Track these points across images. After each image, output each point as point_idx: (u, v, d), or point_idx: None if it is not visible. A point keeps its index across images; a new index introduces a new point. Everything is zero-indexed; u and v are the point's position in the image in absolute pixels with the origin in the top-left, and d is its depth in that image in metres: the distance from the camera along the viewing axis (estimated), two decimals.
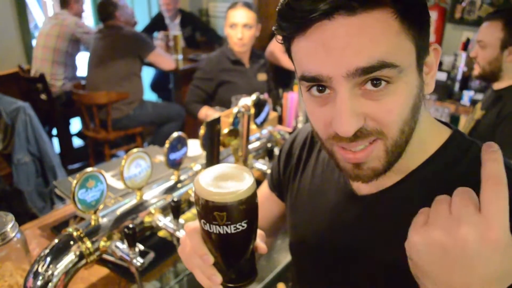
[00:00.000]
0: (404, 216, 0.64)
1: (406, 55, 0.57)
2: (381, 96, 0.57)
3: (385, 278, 0.68)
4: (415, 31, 0.57)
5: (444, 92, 3.06)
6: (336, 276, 0.77)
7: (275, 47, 3.23)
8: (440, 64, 3.32)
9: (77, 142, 4.28)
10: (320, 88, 0.60)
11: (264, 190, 1.05)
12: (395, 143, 0.61)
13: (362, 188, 0.72)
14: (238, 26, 2.54)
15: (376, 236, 0.69)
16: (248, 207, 0.62)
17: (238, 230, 0.62)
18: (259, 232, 0.69)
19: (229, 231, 0.61)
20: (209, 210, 0.61)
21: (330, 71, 0.57)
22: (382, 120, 0.58)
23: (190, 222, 0.71)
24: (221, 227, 0.61)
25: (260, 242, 0.70)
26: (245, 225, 0.62)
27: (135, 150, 1.13)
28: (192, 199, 1.29)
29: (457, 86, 3.10)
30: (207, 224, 0.62)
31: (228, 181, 0.63)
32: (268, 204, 1.03)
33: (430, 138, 0.67)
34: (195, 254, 0.67)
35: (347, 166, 0.64)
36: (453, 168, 0.65)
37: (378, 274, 0.69)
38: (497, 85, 1.89)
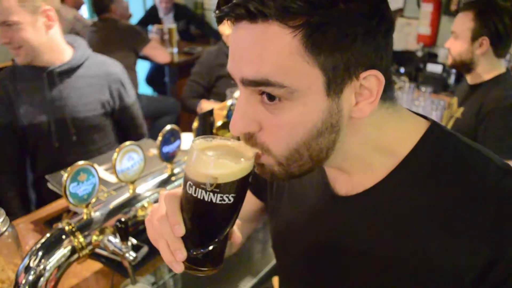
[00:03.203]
0: (384, 217, 0.64)
1: (300, 78, 0.53)
2: (276, 110, 0.56)
3: (368, 274, 0.67)
4: (325, 56, 0.52)
5: (440, 84, 3.05)
6: (319, 275, 0.76)
7: None
8: (436, 56, 3.31)
9: None
10: None
11: None
12: (287, 160, 0.59)
13: (343, 189, 0.70)
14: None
15: (358, 236, 0.67)
16: (240, 182, 0.59)
17: (223, 202, 0.58)
18: (237, 221, 0.66)
19: (214, 200, 0.58)
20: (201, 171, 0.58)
21: (232, 73, 0.58)
22: (272, 134, 0.58)
23: (167, 191, 0.67)
24: (207, 193, 0.57)
25: (236, 230, 0.68)
26: (232, 199, 0.59)
27: (127, 143, 1.12)
28: None
29: (452, 79, 3.09)
30: (193, 187, 0.58)
31: (225, 150, 0.62)
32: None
33: (401, 139, 0.63)
34: (166, 222, 0.62)
35: None
36: (432, 166, 0.62)
37: (361, 272, 0.68)
38: (472, 79, 1.88)
